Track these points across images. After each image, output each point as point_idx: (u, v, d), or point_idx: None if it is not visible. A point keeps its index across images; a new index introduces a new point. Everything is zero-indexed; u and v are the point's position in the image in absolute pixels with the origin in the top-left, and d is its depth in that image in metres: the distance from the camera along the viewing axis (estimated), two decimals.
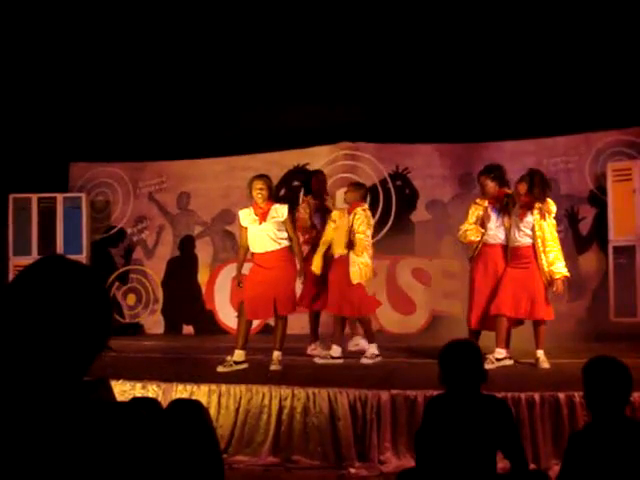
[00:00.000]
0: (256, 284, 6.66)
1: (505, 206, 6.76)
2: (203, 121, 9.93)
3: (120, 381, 5.85)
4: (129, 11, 8.10)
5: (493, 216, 6.80)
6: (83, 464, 1.41)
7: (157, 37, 8.55)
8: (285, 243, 6.73)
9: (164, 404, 1.78)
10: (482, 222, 6.80)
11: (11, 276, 9.52)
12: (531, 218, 6.55)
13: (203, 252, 10.62)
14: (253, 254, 6.86)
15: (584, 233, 9.67)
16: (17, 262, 9.70)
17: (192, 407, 1.89)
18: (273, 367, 6.56)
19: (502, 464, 3.51)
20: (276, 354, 6.64)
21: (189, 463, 1.67)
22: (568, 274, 6.65)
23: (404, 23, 8.41)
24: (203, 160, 10.55)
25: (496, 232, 6.78)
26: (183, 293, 10.55)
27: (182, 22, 8.38)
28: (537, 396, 5.28)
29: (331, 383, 5.70)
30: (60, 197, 10.21)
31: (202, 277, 10.52)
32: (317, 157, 10.11)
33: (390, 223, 9.91)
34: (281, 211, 6.69)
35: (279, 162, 10.18)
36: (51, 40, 8.46)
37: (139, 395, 5.60)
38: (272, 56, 8.81)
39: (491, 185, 6.82)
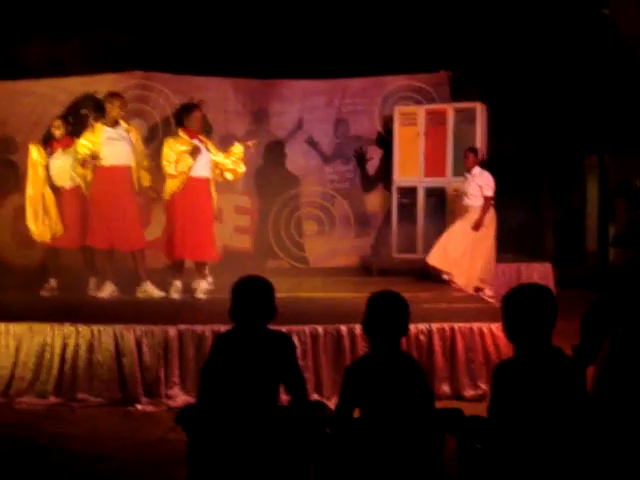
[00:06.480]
0: None
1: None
2: None
3: None
4: None
5: (203, 150, 6.80)
6: None
7: None
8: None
9: None
10: (191, 155, 6.70)
11: None
12: None
13: None
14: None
15: (371, 173, 10.07)
16: None
17: None
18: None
19: (284, 396, 3.62)
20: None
21: None
22: None
23: None
24: None
25: (204, 166, 6.82)
26: None
27: None
28: (320, 329, 5.49)
29: (117, 319, 5.59)
30: None
31: None
32: (105, 85, 9.59)
33: None
34: None
35: (65, 88, 9.59)
36: None
37: None
38: None
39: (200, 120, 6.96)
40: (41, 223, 6.98)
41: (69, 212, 7.02)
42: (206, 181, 6.86)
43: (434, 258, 7.92)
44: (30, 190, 6.99)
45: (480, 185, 7.87)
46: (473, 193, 7.93)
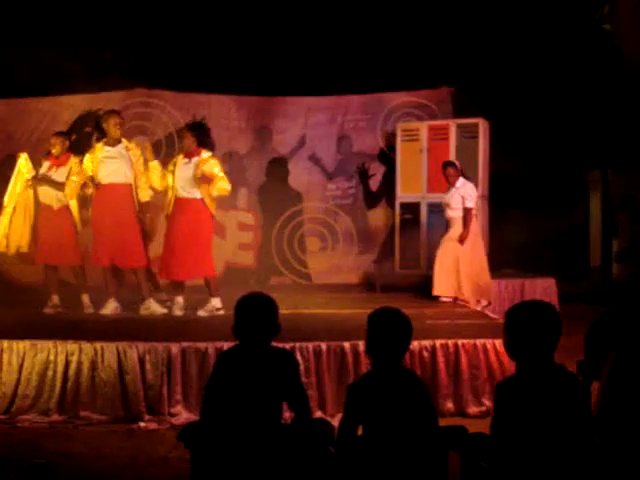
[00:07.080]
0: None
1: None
2: None
3: None
4: None
5: (185, 169, 6.74)
6: None
7: None
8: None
9: None
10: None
11: None
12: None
13: None
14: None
15: (374, 189, 10.09)
16: None
17: None
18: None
19: (288, 414, 3.61)
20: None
21: None
22: None
23: None
24: None
25: (189, 186, 6.72)
26: None
27: None
28: (324, 345, 5.47)
29: (119, 337, 5.58)
30: None
31: None
32: (108, 102, 9.66)
33: None
34: None
35: (70, 106, 9.65)
36: None
37: None
38: None
39: (190, 140, 6.82)
40: (1, 234, 6.97)
41: (62, 230, 6.97)
42: (196, 201, 6.74)
43: (439, 289, 7.79)
44: (6, 198, 6.99)
45: (462, 196, 7.71)
46: (456, 205, 7.76)
